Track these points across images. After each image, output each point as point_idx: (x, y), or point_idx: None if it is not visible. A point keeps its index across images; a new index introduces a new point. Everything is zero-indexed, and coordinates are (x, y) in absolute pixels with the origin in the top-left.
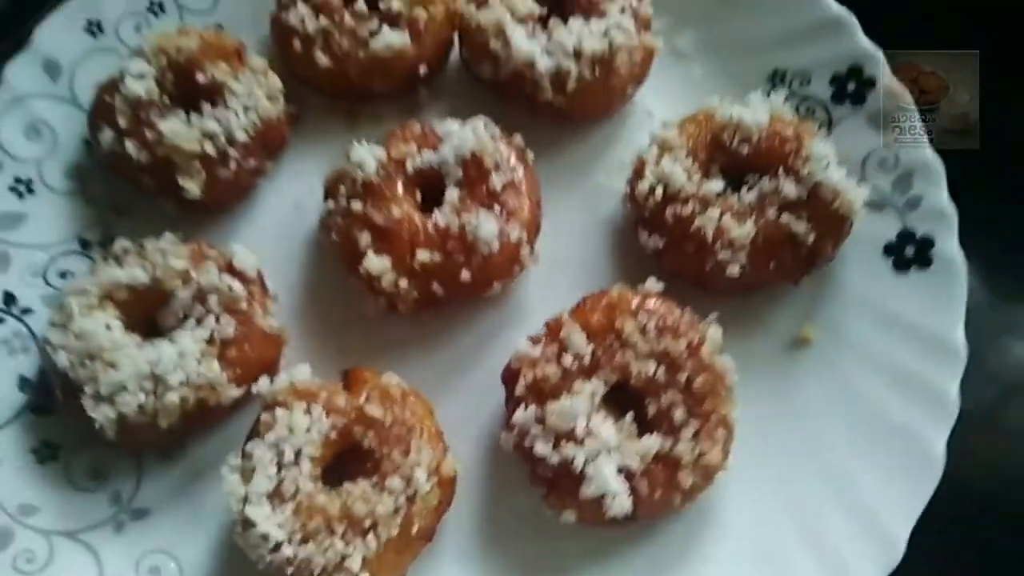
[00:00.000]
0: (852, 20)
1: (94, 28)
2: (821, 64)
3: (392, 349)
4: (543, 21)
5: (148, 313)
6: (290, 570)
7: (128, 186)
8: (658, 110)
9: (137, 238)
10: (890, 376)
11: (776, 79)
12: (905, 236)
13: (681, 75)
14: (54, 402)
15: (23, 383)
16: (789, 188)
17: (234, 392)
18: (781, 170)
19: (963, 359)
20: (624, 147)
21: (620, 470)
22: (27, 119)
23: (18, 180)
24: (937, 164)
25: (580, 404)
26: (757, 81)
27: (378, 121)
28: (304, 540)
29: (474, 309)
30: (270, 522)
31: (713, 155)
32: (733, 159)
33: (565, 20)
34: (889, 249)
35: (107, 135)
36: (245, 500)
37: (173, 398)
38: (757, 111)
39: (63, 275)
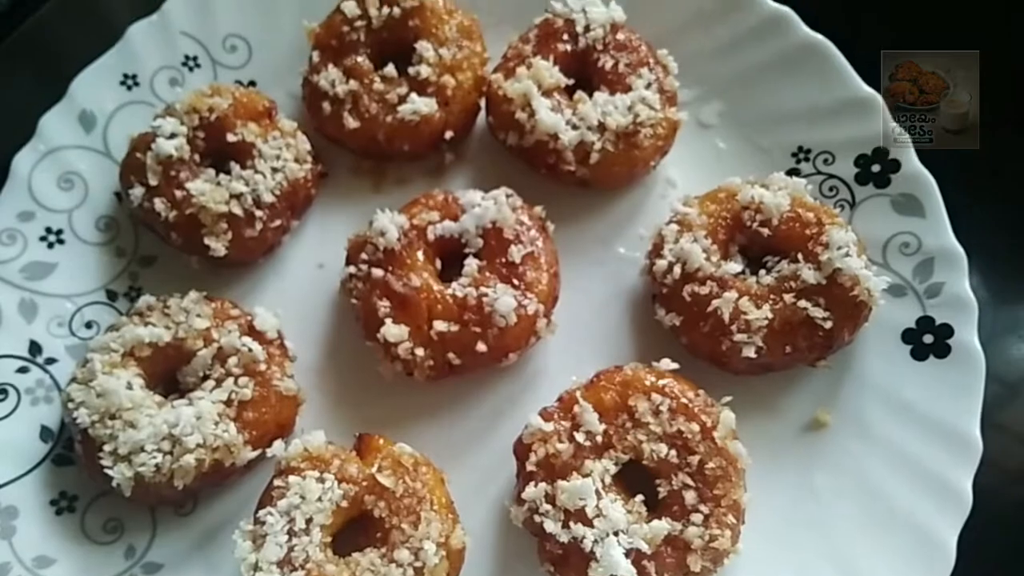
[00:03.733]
0: (880, 101)
1: (130, 81)
2: (846, 143)
3: (406, 415)
4: (569, 92)
5: (169, 370)
6: None
7: (156, 239)
8: (680, 180)
9: (163, 290)
10: (903, 466)
11: (800, 155)
12: (924, 323)
13: (705, 146)
14: (74, 454)
15: (45, 433)
16: (808, 273)
17: (249, 454)
18: (800, 255)
19: (978, 453)
20: (645, 217)
21: (628, 552)
22: (60, 170)
23: (48, 230)
24: (959, 253)
25: (590, 485)
26: (781, 156)
27: (403, 182)
28: None
29: (489, 378)
30: None
31: (732, 235)
32: (752, 240)
33: (591, 93)
34: (907, 336)
35: (137, 191)
36: (256, 568)
37: (190, 460)
38: (778, 193)
39: (89, 325)
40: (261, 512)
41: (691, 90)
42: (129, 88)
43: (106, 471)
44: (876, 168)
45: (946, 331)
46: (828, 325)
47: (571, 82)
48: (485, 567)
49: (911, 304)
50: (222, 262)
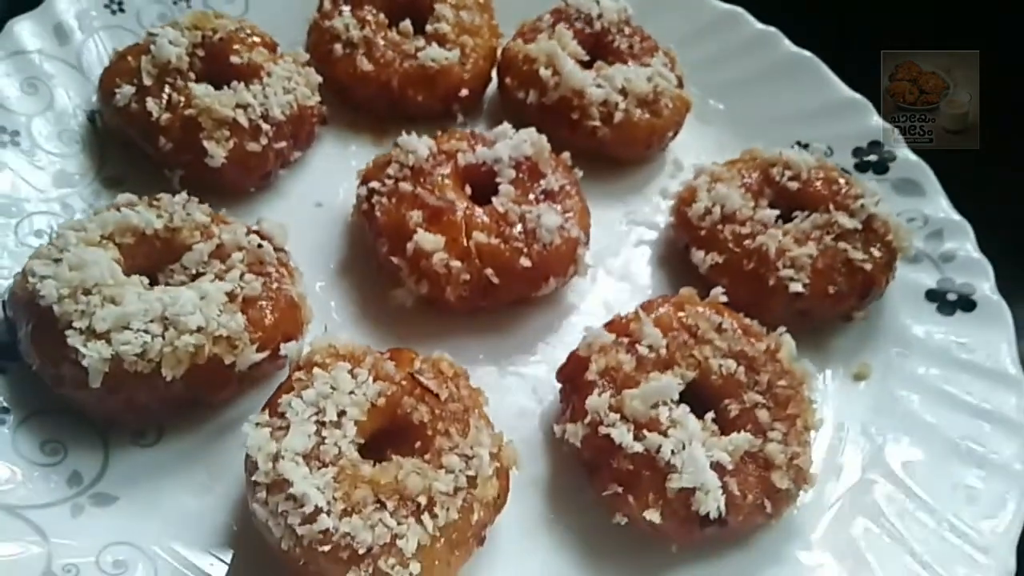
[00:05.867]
0: (866, 102)
1: (114, 6)
2: (842, 138)
3: (421, 350)
4: (586, 66)
5: (153, 265)
6: (326, 547)
7: (125, 159)
8: (687, 164)
9: None
10: (953, 405)
11: (800, 148)
12: (945, 284)
13: (708, 138)
14: (6, 362)
15: None
16: (844, 220)
17: (254, 356)
18: (832, 206)
19: (1021, 385)
20: (656, 189)
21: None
22: (26, 74)
23: (2, 129)
24: (963, 223)
25: (672, 384)
26: (782, 147)
27: None
28: (347, 512)
29: (514, 313)
30: (309, 483)
31: (762, 189)
32: (780, 195)
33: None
34: (931, 295)
35: (126, 91)
36: (276, 457)
37: (188, 341)
38: (803, 152)
39: (38, 234)
40: (282, 399)
41: (694, 88)
42: (113, 12)
43: (78, 352)
44: (873, 157)
45: (968, 288)
46: (868, 267)
47: (587, 58)
48: (520, 505)
49: (929, 268)
50: (211, 181)
